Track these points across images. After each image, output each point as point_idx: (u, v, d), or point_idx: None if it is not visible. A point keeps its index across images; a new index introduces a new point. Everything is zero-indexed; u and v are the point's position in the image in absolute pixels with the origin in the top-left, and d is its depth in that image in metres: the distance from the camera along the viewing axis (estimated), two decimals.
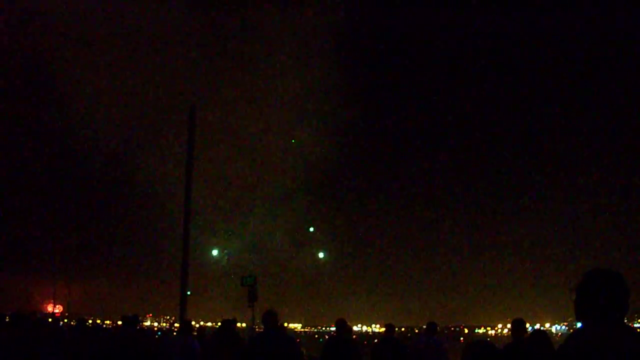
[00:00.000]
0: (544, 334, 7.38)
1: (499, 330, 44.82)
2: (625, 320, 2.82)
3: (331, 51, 35.48)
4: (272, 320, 7.02)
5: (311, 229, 38.56)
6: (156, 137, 34.94)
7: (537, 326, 40.76)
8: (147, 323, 51.29)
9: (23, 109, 35.72)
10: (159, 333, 32.08)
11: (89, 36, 33.39)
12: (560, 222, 39.71)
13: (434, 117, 40.86)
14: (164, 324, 50.14)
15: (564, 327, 37.97)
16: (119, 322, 12.01)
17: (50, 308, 42.23)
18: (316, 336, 51.30)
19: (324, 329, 49.88)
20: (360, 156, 37.78)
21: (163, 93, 34.78)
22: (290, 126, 36.32)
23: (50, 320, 35.11)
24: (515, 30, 38.88)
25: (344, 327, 9.26)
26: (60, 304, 42.65)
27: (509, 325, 8.81)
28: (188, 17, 35.12)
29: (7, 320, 9.98)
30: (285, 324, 41.83)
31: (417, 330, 41.48)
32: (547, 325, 40.81)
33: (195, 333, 11.50)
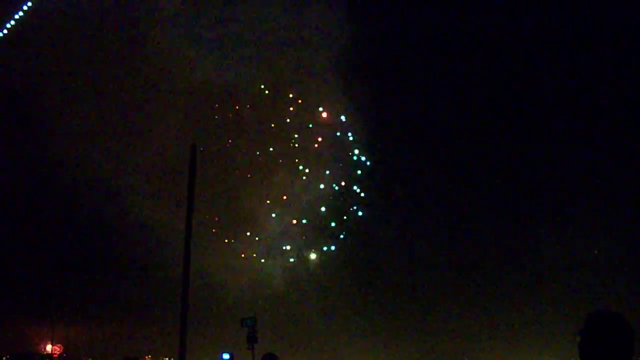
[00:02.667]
0: None
1: None
2: None
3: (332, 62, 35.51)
4: None
5: None
6: (156, 175, 35.01)
7: None
8: None
9: (21, 148, 35.79)
10: None
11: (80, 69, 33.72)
12: (565, 263, 39.40)
13: (437, 152, 40.65)
14: None
15: None
16: None
17: (48, 349, 41.78)
18: None
19: None
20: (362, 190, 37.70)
21: (162, 129, 34.92)
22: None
23: None
24: (536, 36, 38.75)
25: None
26: (59, 345, 42.20)
27: None
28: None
29: None
30: None
31: None
32: None
33: None
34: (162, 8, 34.57)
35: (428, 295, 41.38)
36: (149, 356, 41.96)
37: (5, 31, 31.96)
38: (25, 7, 32.52)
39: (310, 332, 38.48)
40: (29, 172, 35.86)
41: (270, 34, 35.26)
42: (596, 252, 38.51)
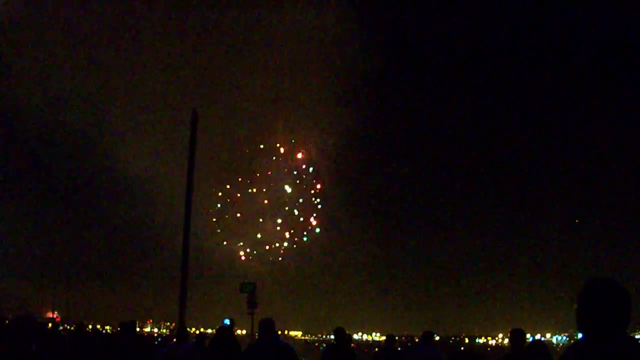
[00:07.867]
0: (541, 345, 7.37)
1: (500, 341, 44.61)
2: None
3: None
4: (268, 329, 6.82)
5: None
6: (157, 138, 34.68)
7: (538, 336, 40.62)
8: (148, 329, 51.02)
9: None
10: (159, 339, 31.90)
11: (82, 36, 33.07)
12: (562, 231, 39.57)
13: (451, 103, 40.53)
14: (164, 330, 49.96)
15: (564, 337, 37.77)
16: (119, 328, 12.01)
17: (49, 313, 42.12)
18: (317, 344, 51.04)
19: (325, 337, 49.59)
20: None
21: (163, 93, 34.48)
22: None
23: (49, 325, 34.92)
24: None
25: (343, 336, 9.21)
26: (59, 310, 42.57)
27: None
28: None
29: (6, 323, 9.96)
30: (286, 332, 41.49)
31: (417, 339, 41.31)
32: (548, 335, 40.59)
33: (195, 340, 11.46)
34: None
35: (432, 261, 41.65)
36: (150, 320, 42.36)
37: None
38: None
39: (313, 298, 38.63)
40: (31, 137, 35.19)
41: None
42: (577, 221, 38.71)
